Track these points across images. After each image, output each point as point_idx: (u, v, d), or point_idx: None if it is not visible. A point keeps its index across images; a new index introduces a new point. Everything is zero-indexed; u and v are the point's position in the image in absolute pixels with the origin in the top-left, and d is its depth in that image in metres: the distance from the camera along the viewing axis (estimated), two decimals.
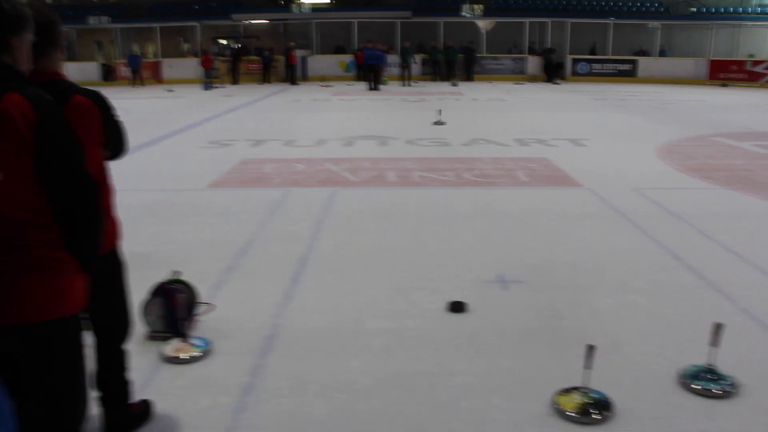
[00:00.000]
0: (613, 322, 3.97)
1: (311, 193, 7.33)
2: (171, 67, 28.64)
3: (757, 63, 25.81)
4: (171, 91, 23.23)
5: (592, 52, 29.98)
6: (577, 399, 3.01)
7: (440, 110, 13.86)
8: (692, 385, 3.18)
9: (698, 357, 3.37)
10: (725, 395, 3.13)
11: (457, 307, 4.11)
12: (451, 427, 2.87)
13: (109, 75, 28.69)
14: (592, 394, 3.03)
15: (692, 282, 4.64)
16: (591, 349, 2.97)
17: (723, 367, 3.28)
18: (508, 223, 6.13)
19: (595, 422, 2.90)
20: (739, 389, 3.17)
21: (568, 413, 2.94)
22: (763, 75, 25.00)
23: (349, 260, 5.10)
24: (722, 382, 3.19)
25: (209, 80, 24.67)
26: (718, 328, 3.22)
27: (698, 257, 5.12)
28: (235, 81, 26.80)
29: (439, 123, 13.06)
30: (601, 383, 3.15)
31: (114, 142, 2.57)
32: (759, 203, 6.95)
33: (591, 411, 2.94)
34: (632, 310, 4.15)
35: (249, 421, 2.92)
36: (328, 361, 3.48)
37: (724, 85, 25.44)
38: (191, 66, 28.07)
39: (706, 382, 3.19)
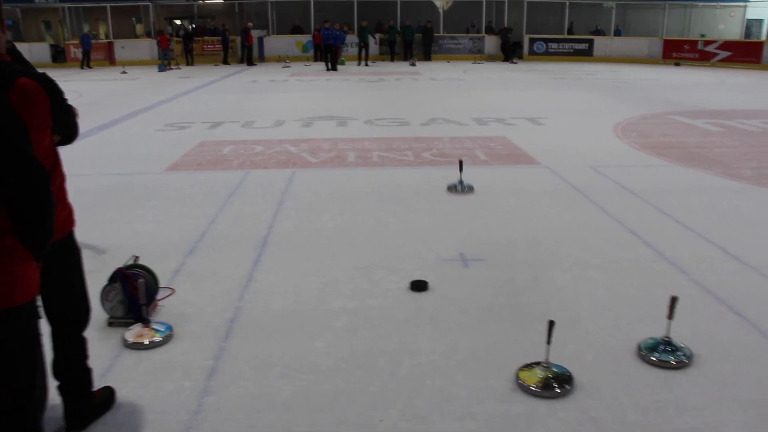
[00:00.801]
0: (573, 298, 4.03)
1: (270, 174, 7.27)
2: (124, 48, 27.97)
3: (708, 43, 26.27)
4: (124, 72, 22.73)
5: (570, 32, 30.08)
6: (539, 374, 3.05)
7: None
8: (650, 357, 3.26)
9: (655, 330, 3.46)
10: (681, 366, 3.21)
11: (418, 285, 4.14)
12: (415, 405, 2.89)
13: (59, 56, 27.92)
14: (553, 369, 3.08)
15: (649, 257, 4.73)
16: (551, 324, 3.01)
17: (679, 338, 3.36)
18: (467, 201, 6.16)
19: (557, 396, 2.95)
20: (693, 360, 3.26)
21: (530, 388, 2.98)
22: (714, 54, 25.47)
23: (309, 241, 5.08)
24: (678, 353, 3.27)
25: (166, 61, 24.21)
26: (673, 302, 3.30)
27: (654, 233, 5.23)
28: (189, 62, 26.33)
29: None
30: (562, 358, 3.21)
31: (64, 127, 2.46)
32: (712, 179, 7.11)
33: (553, 385, 3.00)
34: (591, 286, 4.22)
35: (213, 405, 2.91)
36: (291, 342, 3.47)
37: (677, 65, 25.86)
38: (145, 47, 27.52)
39: (663, 353, 3.27)
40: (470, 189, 6.46)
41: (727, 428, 2.73)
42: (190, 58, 26.44)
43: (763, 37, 28.35)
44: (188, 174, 7.37)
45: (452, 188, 6.50)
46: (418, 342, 3.47)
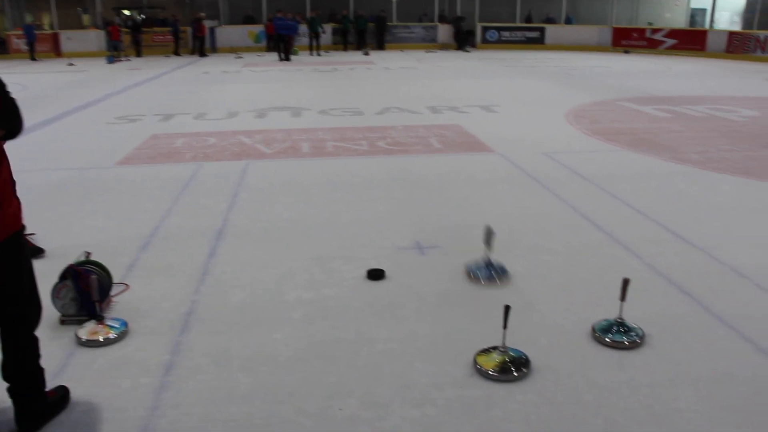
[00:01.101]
0: (528, 283, 4.09)
1: (224, 166, 7.19)
2: (70, 39, 27.26)
3: (655, 31, 26.79)
4: (72, 65, 22.18)
5: (528, 20, 30.26)
6: (496, 358, 3.09)
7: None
8: (604, 339, 3.33)
9: (608, 311, 3.53)
10: (634, 346, 3.29)
11: (375, 274, 4.15)
12: (374, 393, 2.90)
13: (0, 47, 27.09)
14: (510, 353, 3.12)
15: (601, 240, 4.82)
16: (507, 309, 3.05)
17: (631, 319, 3.44)
18: (422, 189, 6.19)
19: (515, 379, 3.00)
20: (645, 340, 3.34)
21: (488, 372, 3.02)
22: (661, 42, 25.98)
23: (265, 233, 5.05)
24: (631, 333, 3.35)
25: (116, 53, 23.68)
26: (625, 284, 3.38)
27: (606, 217, 5.33)
28: (138, 54, 25.80)
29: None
30: (518, 342, 3.26)
31: (7, 121, 2.39)
32: (660, 164, 7.26)
33: (510, 369, 3.04)
34: (545, 270, 4.29)
35: (171, 400, 2.87)
36: (248, 334, 3.45)
37: (626, 52, 26.30)
38: (92, 38, 26.89)
39: (617, 334, 3.34)
40: (503, 274, 4.16)
41: (678, 404, 2.81)
42: (138, 49, 25.90)
43: (707, 26, 29.02)
44: (140, 167, 7.25)
45: (475, 275, 4.15)
46: (375, 330, 3.48)
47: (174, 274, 4.24)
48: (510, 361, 3.08)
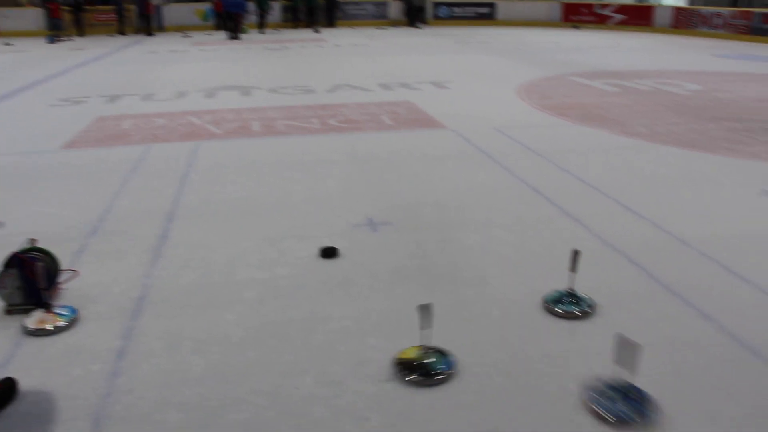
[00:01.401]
0: (481, 257, 4.13)
1: (174, 147, 7.07)
2: (7, 17, 26.25)
3: (604, 6, 27.04)
4: (9, 44, 21.42)
5: None
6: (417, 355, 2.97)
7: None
8: (555, 309, 3.39)
9: (559, 283, 3.59)
10: (584, 316, 3.35)
11: (328, 252, 4.14)
12: (328, 371, 2.91)
13: None
14: (431, 356, 2.96)
15: (552, 214, 4.89)
16: (424, 308, 2.87)
17: (582, 290, 3.51)
18: (374, 167, 6.18)
19: (433, 384, 2.83)
20: (596, 309, 3.41)
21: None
22: (609, 17, 26.27)
23: (216, 213, 4.99)
24: (582, 303, 3.41)
25: (56, 32, 22.95)
26: (575, 255, 3.44)
27: (557, 190, 5.40)
28: (81, 33, 25.04)
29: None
30: (472, 315, 3.29)
31: None
32: (609, 138, 7.38)
33: (428, 371, 2.88)
34: (498, 244, 4.33)
35: (125, 386, 2.83)
36: (201, 316, 3.42)
37: (575, 27, 26.54)
38: (30, 16, 25.96)
39: (568, 305, 3.40)
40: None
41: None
42: (81, 28, 25.10)
43: (654, 1, 29.44)
44: (87, 151, 7.07)
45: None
46: (329, 309, 3.48)
47: (124, 258, 4.17)
48: (426, 364, 2.92)
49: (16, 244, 3.81)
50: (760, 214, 4.90)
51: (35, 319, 3.33)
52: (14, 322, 3.37)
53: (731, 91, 10.52)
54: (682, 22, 23.33)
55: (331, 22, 27.79)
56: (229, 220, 4.85)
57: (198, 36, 24.06)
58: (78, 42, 22.40)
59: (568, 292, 3.48)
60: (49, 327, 3.29)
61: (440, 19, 29.10)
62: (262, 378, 2.87)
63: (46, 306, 3.40)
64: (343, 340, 3.17)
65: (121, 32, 25.50)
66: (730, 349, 3.08)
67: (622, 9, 26.39)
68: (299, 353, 3.06)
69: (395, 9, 29.17)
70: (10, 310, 3.48)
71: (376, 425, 2.58)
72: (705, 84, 11.31)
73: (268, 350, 3.09)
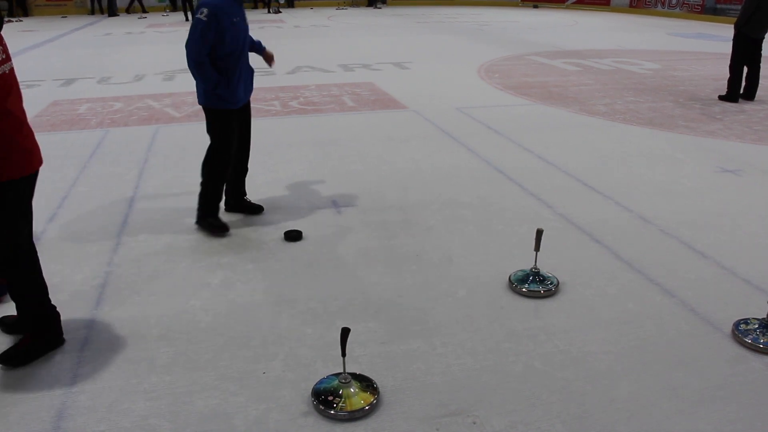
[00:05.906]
0: (445, 237, 4.14)
1: (132, 132, 6.92)
2: None
3: None
4: None
5: None
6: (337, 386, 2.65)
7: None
8: (521, 288, 3.41)
9: (524, 262, 3.62)
10: (549, 294, 3.38)
11: (292, 235, 4.11)
12: (297, 354, 2.89)
13: None
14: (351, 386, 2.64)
15: (515, 192, 4.92)
16: (345, 333, 2.50)
17: (546, 268, 3.54)
18: (336, 149, 6.14)
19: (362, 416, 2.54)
20: (560, 287, 3.44)
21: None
22: None
23: (177, 199, 4.91)
24: (546, 282, 3.44)
25: (4, 12, 22.26)
26: (539, 234, 3.46)
27: (519, 169, 5.43)
28: (25, 13, 24.22)
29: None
30: (438, 294, 3.30)
31: None
32: (570, 116, 7.44)
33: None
34: (462, 224, 4.34)
35: (89, 376, 2.77)
36: (166, 303, 3.36)
37: (535, 7, 26.68)
38: None
39: (533, 284, 3.43)
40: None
41: (590, 347, 2.92)
42: (25, 8, 24.19)
43: None
44: (42, 136, 6.83)
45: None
46: (295, 292, 3.46)
47: (85, 246, 4.08)
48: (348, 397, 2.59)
49: None
50: (717, 192, 4.99)
51: None
52: None
53: (688, 70, 10.68)
54: (639, 2, 23.58)
55: (290, 3, 27.50)
56: (191, 205, 4.76)
57: (154, 17, 23.57)
58: (28, 22, 21.77)
59: (533, 271, 3.50)
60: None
61: None
62: (230, 363, 2.83)
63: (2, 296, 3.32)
64: (311, 322, 3.15)
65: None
66: (692, 323, 3.14)
67: None
68: (267, 337, 3.03)
69: None
70: None
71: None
72: (662, 62, 11.46)
73: (236, 335, 3.05)
